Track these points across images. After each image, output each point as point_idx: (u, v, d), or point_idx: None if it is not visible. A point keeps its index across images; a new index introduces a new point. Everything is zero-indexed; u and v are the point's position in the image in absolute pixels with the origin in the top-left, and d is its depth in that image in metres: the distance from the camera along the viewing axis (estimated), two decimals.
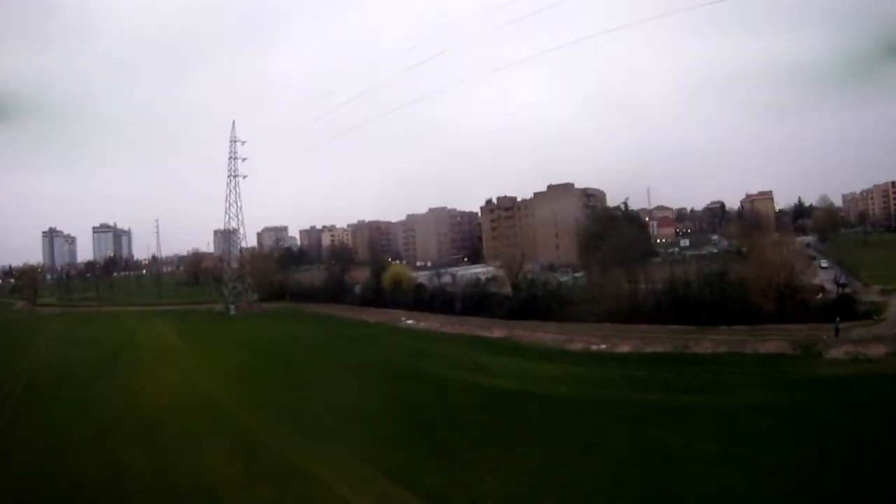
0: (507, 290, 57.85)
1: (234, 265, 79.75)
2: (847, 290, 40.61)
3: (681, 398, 26.04)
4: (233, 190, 78.40)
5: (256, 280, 79.80)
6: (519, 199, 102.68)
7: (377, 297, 68.11)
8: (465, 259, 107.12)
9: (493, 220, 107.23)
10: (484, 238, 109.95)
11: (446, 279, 68.23)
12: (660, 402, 25.63)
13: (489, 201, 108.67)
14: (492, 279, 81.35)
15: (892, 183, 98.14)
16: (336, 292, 74.47)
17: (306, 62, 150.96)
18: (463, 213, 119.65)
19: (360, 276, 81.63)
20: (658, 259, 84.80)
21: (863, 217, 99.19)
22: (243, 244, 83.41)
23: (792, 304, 38.38)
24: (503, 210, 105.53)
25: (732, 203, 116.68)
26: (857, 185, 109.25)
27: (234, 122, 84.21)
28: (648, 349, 37.61)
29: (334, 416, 25.73)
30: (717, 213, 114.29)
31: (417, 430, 23.18)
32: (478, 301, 57.08)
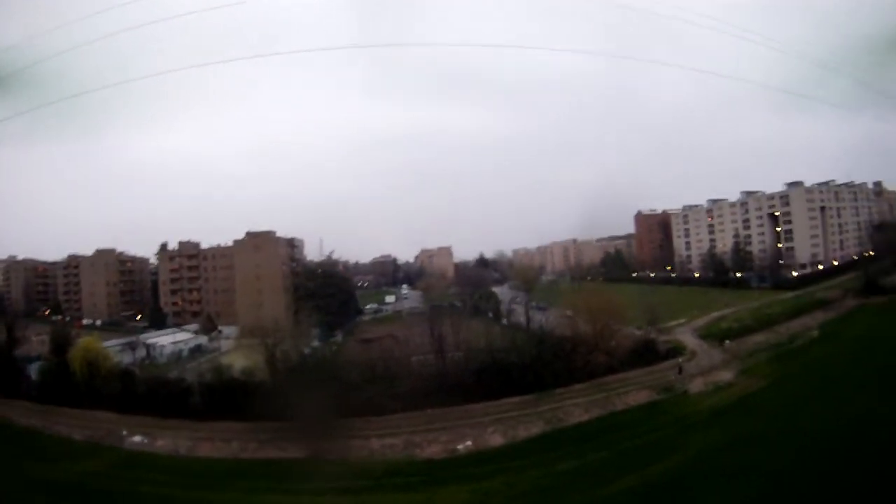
0: (258, 373, 40.11)
1: None
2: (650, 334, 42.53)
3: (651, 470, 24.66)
4: None
5: None
6: (205, 247, 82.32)
7: (65, 386, 45.60)
8: (139, 317, 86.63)
9: (173, 271, 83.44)
10: (162, 292, 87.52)
11: (141, 353, 56.25)
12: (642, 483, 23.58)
13: (164, 246, 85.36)
14: (196, 348, 66.92)
15: (574, 240, 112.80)
16: (5, 378, 48.54)
17: None
18: (135, 259, 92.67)
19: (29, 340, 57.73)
20: (366, 317, 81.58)
21: (542, 269, 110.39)
22: None
23: (620, 353, 37.47)
24: (185, 258, 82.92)
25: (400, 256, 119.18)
26: (518, 243, 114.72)
27: None
28: (522, 434, 30.47)
29: None
30: (388, 266, 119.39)
31: None
32: (224, 395, 40.64)
